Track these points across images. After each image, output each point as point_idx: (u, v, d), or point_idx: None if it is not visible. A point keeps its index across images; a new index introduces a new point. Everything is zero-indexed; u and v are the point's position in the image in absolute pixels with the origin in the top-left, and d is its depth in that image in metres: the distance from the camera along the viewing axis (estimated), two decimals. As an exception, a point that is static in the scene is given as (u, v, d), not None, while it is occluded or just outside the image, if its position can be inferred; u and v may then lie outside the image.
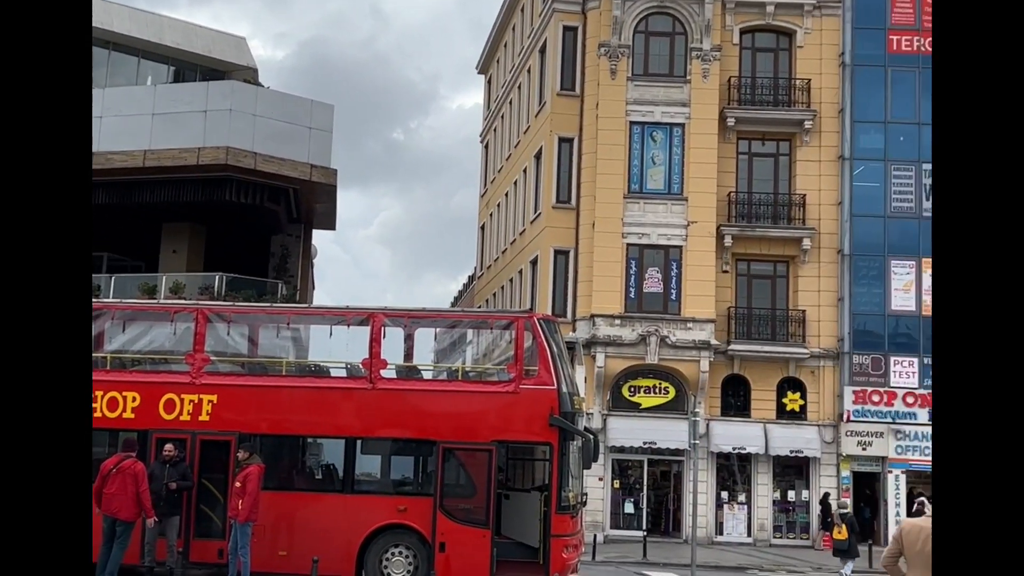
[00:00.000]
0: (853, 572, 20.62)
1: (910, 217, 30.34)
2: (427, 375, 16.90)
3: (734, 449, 29.28)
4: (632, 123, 30.50)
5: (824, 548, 26.29)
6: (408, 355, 16.81)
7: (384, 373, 15.90)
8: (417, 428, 15.62)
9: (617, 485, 29.78)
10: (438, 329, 16.91)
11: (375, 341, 15.72)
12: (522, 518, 15.87)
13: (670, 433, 27.92)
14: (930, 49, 30.67)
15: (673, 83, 30.62)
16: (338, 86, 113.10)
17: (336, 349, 16.85)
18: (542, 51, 34.08)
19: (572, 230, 31.12)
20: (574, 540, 15.62)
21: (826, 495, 28.66)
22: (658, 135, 30.54)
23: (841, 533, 20.39)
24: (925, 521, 7.68)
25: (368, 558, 15.16)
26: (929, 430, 28.92)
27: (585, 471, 16.20)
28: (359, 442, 15.71)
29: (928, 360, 29.48)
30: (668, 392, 29.57)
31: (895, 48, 30.91)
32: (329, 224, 33.17)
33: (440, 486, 15.20)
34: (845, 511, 21.33)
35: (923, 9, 30.91)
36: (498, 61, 43.49)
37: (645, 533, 26.07)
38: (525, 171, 35.26)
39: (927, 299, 29.77)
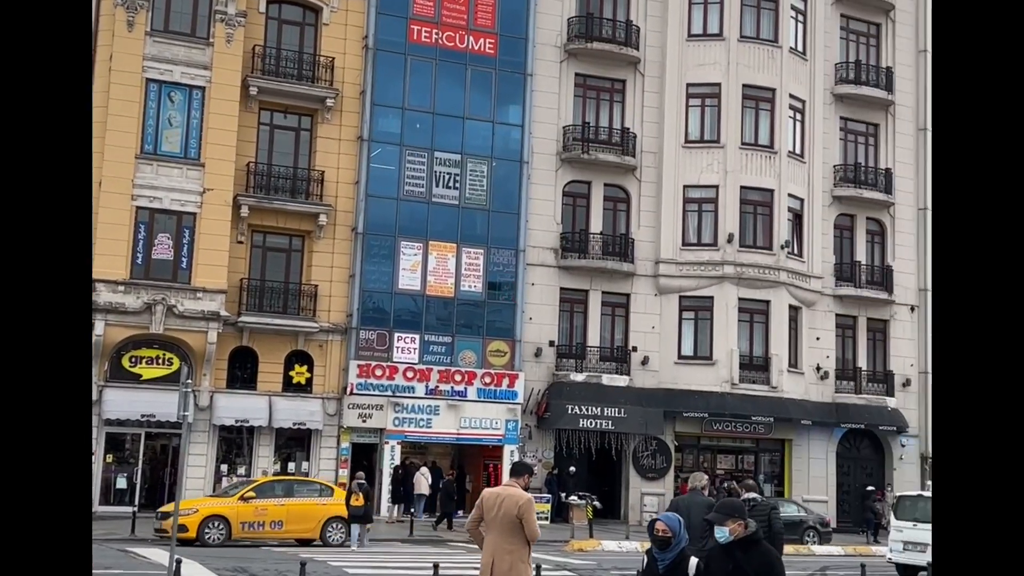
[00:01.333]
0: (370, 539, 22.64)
1: (421, 201, 31.91)
2: None
3: (237, 422, 29.04)
4: (149, 80, 29.06)
5: None
6: None
7: None
8: None
9: (111, 460, 28.31)
10: None
11: None
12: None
13: (171, 406, 26.79)
14: (447, 43, 32.51)
15: (195, 44, 29.58)
16: None
17: None
18: (51, -10, 31.27)
19: (76, 187, 28.94)
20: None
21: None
22: (176, 96, 29.37)
23: (359, 500, 22.51)
24: (502, 489, 8.45)
25: None
26: (424, 402, 30.71)
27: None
28: None
29: (428, 337, 31.30)
30: (172, 363, 28.60)
31: (415, 38, 32.28)
32: None
33: None
34: (361, 482, 23.24)
35: (443, 4, 32.58)
36: (2, -6, 39.28)
37: (136, 509, 25.05)
38: (26, 119, 32.19)
39: (431, 279, 31.56)
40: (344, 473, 29.35)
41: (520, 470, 8.71)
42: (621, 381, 32.86)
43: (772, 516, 12.32)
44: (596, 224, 33.94)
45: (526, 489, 8.47)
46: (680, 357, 33.90)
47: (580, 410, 31.95)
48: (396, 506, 30.12)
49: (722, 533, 6.57)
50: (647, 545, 7.17)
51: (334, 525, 22.92)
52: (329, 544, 22.56)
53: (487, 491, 8.66)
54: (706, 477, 13.55)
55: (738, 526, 6.52)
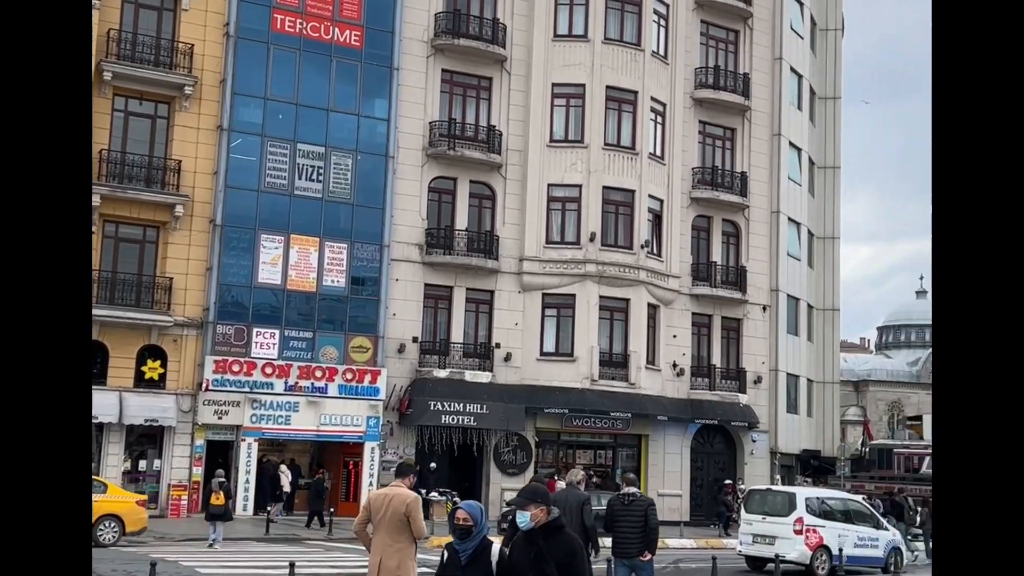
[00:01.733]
0: (224, 538, 22.24)
1: (282, 193, 31.30)
2: None
3: (86, 418, 27.91)
4: None
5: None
6: None
7: None
8: None
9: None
10: None
11: None
12: None
13: (14, 402, 25.79)
14: (312, 33, 31.97)
15: (45, 24, 28.28)
16: None
17: None
18: None
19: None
20: None
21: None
22: (24, 78, 28.01)
23: (219, 499, 22.28)
24: (389, 490, 8.57)
25: None
26: (283, 399, 30.15)
27: None
28: None
29: (288, 332, 30.74)
30: (16, 357, 27.29)
31: (279, 27, 31.63)
32: None
33: None
34: (222, 480, 23.02)
35: (308, -6, 32.05)
36: None
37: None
38: None
39: (292, 273, 31.00)
40: (198, 471, 28.61)
41: (405, 470, 8.92)
42: (484, 377, 32.98)
43: (649, 511, 12.50)
44: (461, 221, 33.96)
45: (411, 488, 8.63)
46: (542, 354, 34.23)
47: (442, 406, 31.91)
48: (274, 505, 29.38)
49: (523, 518, 6.47)
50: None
51: (105, 523, 21.21)
52: (100, 544, 20.75)
53: (373, 493, 8.87)
54: (582, 472, 13.73)
55: (540, 511, 6.45)
